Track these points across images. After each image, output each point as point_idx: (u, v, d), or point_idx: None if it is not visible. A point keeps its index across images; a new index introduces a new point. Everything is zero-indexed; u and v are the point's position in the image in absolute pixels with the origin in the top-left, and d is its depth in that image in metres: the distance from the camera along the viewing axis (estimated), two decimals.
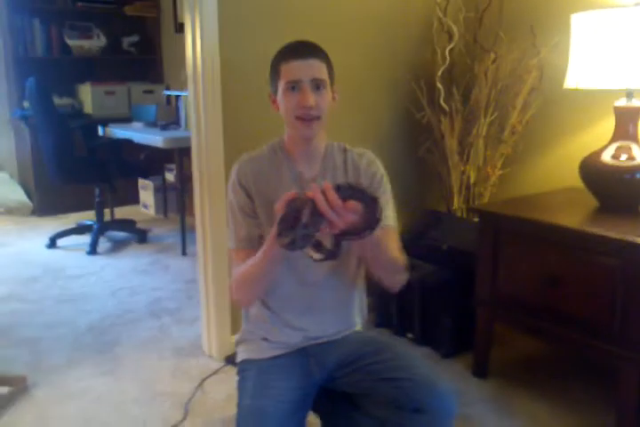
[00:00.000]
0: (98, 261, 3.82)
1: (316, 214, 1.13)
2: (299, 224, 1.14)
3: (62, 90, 5.08)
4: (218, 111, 2.32)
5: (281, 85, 1.43)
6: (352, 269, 1.55)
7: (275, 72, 1.46)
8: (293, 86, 1.40)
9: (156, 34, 5.56)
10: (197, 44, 2.28)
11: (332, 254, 1.23)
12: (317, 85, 1.41)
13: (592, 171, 2.11)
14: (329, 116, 1.46)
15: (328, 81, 1.44)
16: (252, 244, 1.48)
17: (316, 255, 1.24)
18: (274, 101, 1.49)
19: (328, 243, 1.23)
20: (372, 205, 1.16)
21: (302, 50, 1.43)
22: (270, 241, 1.30)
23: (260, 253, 1.36)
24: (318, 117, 1.42)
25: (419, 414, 1.33)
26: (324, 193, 1.14)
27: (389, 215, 1.49)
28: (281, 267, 1.41)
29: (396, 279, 1.47)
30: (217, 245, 2.42)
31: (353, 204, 1.16)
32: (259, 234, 1.49)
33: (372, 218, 1.16)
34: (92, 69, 5.36)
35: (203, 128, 2.33)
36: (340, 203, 1.14)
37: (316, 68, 1.41)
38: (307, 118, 1.41)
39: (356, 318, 1.62)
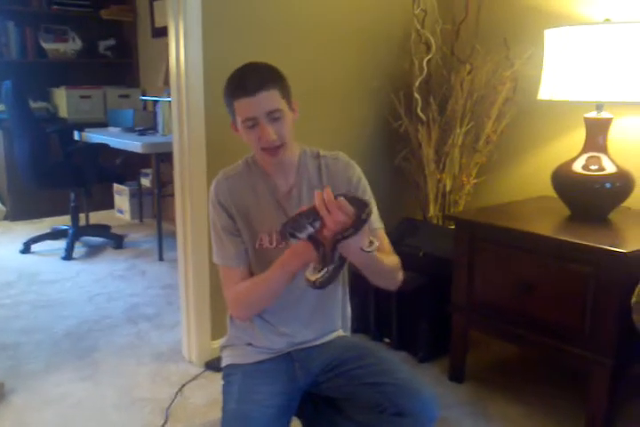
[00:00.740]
0: (73, 267, 3.80)
1: (316, 215, 1.25)
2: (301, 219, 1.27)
3: (37, 94, 5.06)
4: (200, 116, 2.34)
5: (238, 120, 1.45)
6: (339, 279, 1.59)
7: (229, 106, 1.47)
8: (251, 123, 1.42)
9: (133, 38, 5.55)
10: (181, 48, 2.29)
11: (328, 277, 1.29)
12: (274, 117, 1.42)
13: (564, 180, 2.18)
14: (294, 130, 1.48)
15: (284, 106, 1.44)
16: (242, 260, 1.54)
17: (312, 276, 1.29)
18: (234, 128, 1.51)
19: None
20: (361, 207, 1.25)
21: (250, 85, 1.40)
22: (286, 258, 1.38)
23: (270, 273, 1.42)
24: (282, 145, 1.45)
25: (401, 418, 1.36)
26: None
27: (375, 217, 1.52)
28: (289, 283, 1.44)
29: (396, 280, 1.50)
30: (198, 250, 2.43)
31: (343, 202, 1.23)
32: (245, 249, 1.54)
33: (358, 219, 1.24)
34: (68, 73, 5.33)
35: (185, 133, 2.35)
36: (332, 200, 1.21)
37: (268, 101, 1.41)
38: (271, 148, 1.45)
39: (340, 322, 1.66)
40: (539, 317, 2.04)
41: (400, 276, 1.50)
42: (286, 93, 1.47)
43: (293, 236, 1.28)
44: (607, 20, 2.13)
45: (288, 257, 1.38)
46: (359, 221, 1.24)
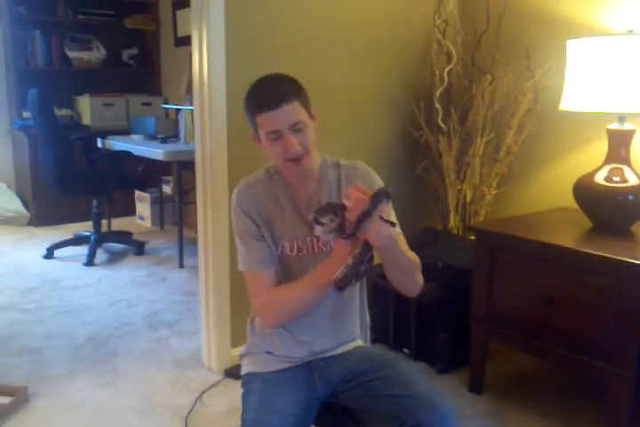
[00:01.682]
0: (95, 273, 3.84)
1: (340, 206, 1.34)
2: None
3: (61, 101, 5.13)
4: (222, 125, 2.37)
5: (262, 134, 1.47)
6: (356, 287, 1.60)
7: (251, 120, 1.49)
8: (275, 136, 1.44)
9: (155, 47, 5.62)
10: (204, 57, 2.32)
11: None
12: (297, 128, 1.44)
13: (586, 192, 2.17)
14: (315, 138, 1.50)
15: (306, 116, 1.46)
16: (269, 263, 1.53)
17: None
18: (256, 140, 1.52)
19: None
20: (373, 201, 1.29)
21: (271, 99, 1.41)
22: (319, 270, 1.41)
23: (304, 284, 1.45)
24: (306, 153, 1.47)
25: None
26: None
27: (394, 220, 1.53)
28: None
29: (417, 281, 1.49)
30: (218, 257, 2.45)
31: (359, 185, 1.34)
32: (270, 252, 1.54)
33: (375, 195, 1.30)
34: (91, 81, 5.40)
35: (207, 141, 2.38)
36: (355, 189, 1.31)
37: (291, 114, 1.42)
38: (296, 159, 1.47)
39: (359, 331, 1.66)
40: (559, 329, 2.03)
41: (420, 278, 1.50)
42: (306, 103, 1.49)
43: (317, 221, 1.33)
44: (630, 32, 2.12)
45: (322, 270, 1.40)
46: (376, 196, 1.28)
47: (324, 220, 1.33)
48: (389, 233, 1.30)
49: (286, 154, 1.45)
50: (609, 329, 1.89)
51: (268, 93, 1.44)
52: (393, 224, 1.31)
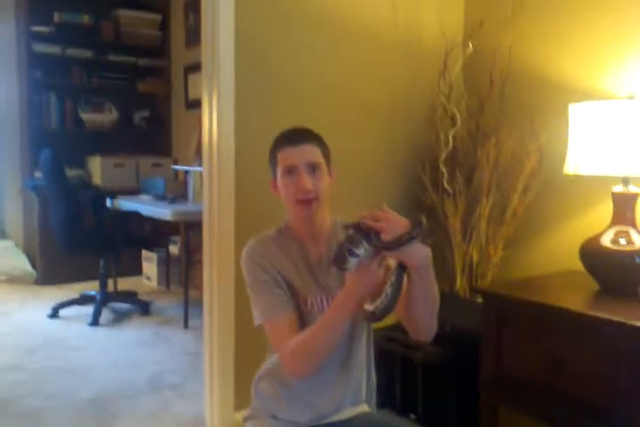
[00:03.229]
0: (99, 333, 3.82)
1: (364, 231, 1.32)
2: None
3: (72, 161, 5.20)
4: (230, 187, 2.40)
5: (279, 171, 1.52)
6: (364, 345, 1.59)
7: (273, 159, 1.55)
8: (290, 171, 1.49)
9: (167, 109, 5.75)
10: (214, 120, 2.38)
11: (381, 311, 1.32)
12: (313, 168, 1.49)
13: (592, 254, 2.16)
14: (329, 194, 1.54)
15: (323, 163, 1.52)
16: (288, 308, 1.51)
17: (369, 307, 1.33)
18: (274, 187, 1.57)
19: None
20: (417, 223, 1.31)
21: (295, 137, 1.52)
22: (341, 297, 1.39)
23: (327, 317, 1.42)
24: (316, 199, 1.50)
25: None
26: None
27: None
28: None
29: (435, 318, 1.47)
30: (224, 318, 2.44)
31: (395, 215, 1.34)
32: (288, 299, 1.52)
33: (413, 224, 1.31)
34: (103, 142, 5.50)
35: (215, 203, 2.41)
36: (383, 211, 1.34)
37: (310, 153, 1.50)
38: (306, 201, 1.49)
39: (365, 393, 1.64)
40: (570, 393, 1.98)
41: (436, 321, 1.49)
42: (326, 155, 1.55)
43: (352, 253, 1.29)
44: (631, 97, 2.16)
45: (344, 296, 1.38)
46: (416, 220, 1.30)
47: (358, 251, 1.30)
48: (429, 254, 1.34)
49: (298, 192, 1.48)
50: (621, 395, 1.85)
51: (293, 133, 1.55)
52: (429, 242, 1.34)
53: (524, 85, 2.75)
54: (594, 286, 2.19)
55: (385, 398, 2.62)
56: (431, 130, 2.89)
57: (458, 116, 2.80)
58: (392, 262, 1.37)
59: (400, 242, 1.28)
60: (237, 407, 2.46)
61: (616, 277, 2.12)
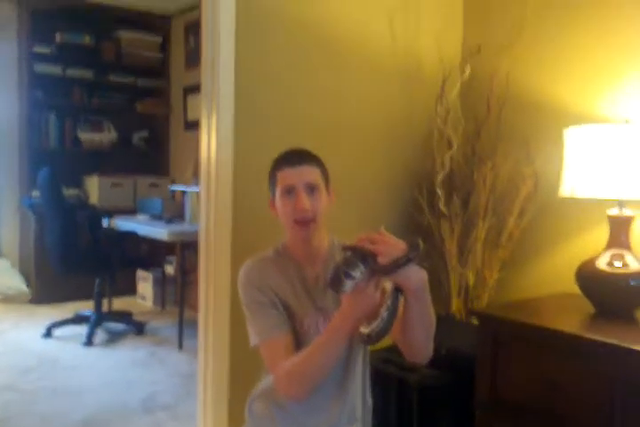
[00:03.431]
0: (93, 353, 3.80)
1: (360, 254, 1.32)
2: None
3: (70, 180, 5.22)
4: (228, 208, 2.39)
5: (278, 191, 1.53)
6: (360, 367, 1.59)
7: (272, 180, 1.57)
8: (289, 191, 1.50)
9: (165, 130, 5.79)
10: (212, 142, 2.39)
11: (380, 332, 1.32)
12: (311, 189, 1.51)
13: (588, 277, 2.17)
14: (327, 215, 1.55)
15: (322, 184, 1.54)
16: (284, 328, 1.50)
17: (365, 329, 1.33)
18: (273, 207, 1.58)
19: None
20: (413, 246, 1.31)
21: (294, 158, 1.54)
22: (337, 321, 1.38)
23: (323, 339, 1.41)
24: (314, 220, 1.51)
25: None
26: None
27: None
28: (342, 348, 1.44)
29: (432, 340, 1.48)
30: (218, 339, 2.42)
31: (392, 237, 1.33)
32: (285, 320, 1.52)
33: (411, 246, 1.31)
34: (101, 162, 5.53)
35: (212, 224, 2.41)
36: (380, 234, 1.34)
37: (309, 174, 1.52)
38: (304, 222, 1.50)
39: (360, 413, 1.63)
40: (564, 415, 1.97)
41: (432, 343, 1.49)
42: (325, 177, 1.57)
43: (348, 275, 1.29)
44: (627, 121, 2.19)
45: (340, 319, 1.38)
46: (414, 243, 1.31)
47: (355, 273, 1.30)
48: (425, 277, 1.34)
49: (296, 212, 1.49)
50: (617, 418, 1.84)
51: (293, 154, 1.57)
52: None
53: (520, 110, 2.77)
54: (589, 308, 2.19)
55: (381, 420, 2.60)
56: (428, 154, 2.91)
57: (454, 140, 2.82)
58: (388, 285, 1.38)
59: (396, 265, 1.29)
60: None
61: (611, 300, 2.12)
